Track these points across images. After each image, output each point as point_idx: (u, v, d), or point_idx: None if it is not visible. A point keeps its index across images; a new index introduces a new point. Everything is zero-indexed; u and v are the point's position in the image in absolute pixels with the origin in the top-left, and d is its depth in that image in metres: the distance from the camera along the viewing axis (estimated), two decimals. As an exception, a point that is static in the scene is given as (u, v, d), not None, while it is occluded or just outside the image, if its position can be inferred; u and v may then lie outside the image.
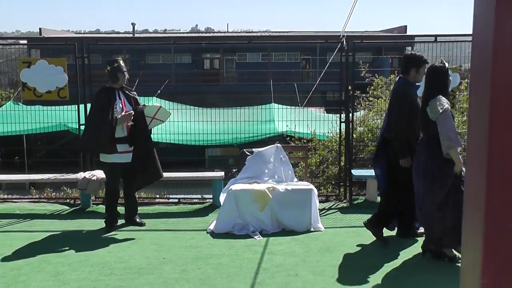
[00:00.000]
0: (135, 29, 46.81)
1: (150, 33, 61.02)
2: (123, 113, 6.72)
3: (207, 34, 53.40)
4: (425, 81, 5.64)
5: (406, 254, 5.90)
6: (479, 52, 1.98)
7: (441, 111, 5.21)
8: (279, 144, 7.83)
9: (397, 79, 6.44)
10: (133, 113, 6.76)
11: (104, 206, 7.30)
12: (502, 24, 1.79)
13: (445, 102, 5.28)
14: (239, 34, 48.65)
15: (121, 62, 6.86)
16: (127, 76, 6.95)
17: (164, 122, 7.11)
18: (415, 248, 6.03)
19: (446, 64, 5.57)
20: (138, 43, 38.99)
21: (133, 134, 6.79)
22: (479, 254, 1.90)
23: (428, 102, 5.40)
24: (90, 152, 8.10)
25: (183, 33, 56.46)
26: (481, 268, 1.89)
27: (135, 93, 7.14)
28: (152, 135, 7.08)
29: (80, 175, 8.06)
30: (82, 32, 63.89)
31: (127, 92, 6.98)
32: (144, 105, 7.11)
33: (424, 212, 5.56)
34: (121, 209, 7.27)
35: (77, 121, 8.68)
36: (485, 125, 1.87)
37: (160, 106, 7.08)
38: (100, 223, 7.14)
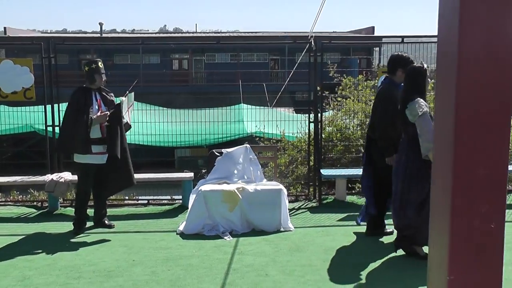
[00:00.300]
0: (103, 29, 46.36)
1: (118, 33, 60.49)
2: (99, 114, 6.69)
3: (176, 35, 53.16)
4: (404, 82, 5.69)
5: (376, 252, 5.96)
6: (444, 53, 2.02)
7: (420, 113, 5.27)
8: (248, 145, 7.84)
9: (382, 79, 6.43)
10: (108, 113, 6.73)
11: (74, 208, 7.20)
12: (467, 25, 1.83)
13: (424, 105, 5.33)
14: (207, 35, 48.58)
15: (100, 64, 6.86)
16: (104, 78, 6.93)
17: (133, 105, 7.19)
18: (385, 246, 6.10)
19: (425, 65, 5.61)
20: (105, 43, 38.65)
21: (109, 135, 6.75)
22: (446, 251, 1.94)
23: (407, 105, 5.44)
24: (64, 152, 7.98)
25: (151, 33, 56.16)
26: (448, 265, 1.93)
27: (112, 94, 7.12)
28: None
29: (48, 177, 7.95)
30: (49, 31, 62.98)
31: (104, 93, 6.96)
32: (118, 103, 7.04)
33: (400, 213, 5.60)
34: (89, 211, 7.20)
35: (44, 123, 8.56)
36: (451, 124, 1.91)
37: (126, 95, 7.06)
38: (68, 226, 7.06)
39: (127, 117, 6.90)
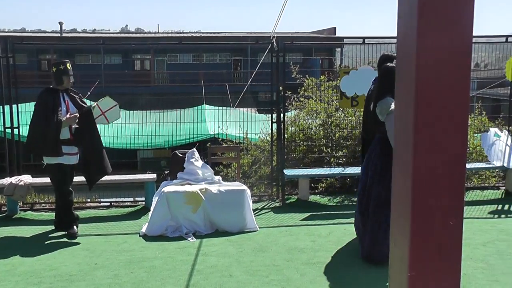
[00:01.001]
0: (63, 28, 45.63)
1: (79, 32, 59.51)
2: (68, 116, 6.58)
3: (137, 35, 52.69)
4: (377, 81, 5.69)
5: (339, 250, 6.03)
6: (403, 54, 2.05)
7: (389, 111, 5.29)
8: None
9: (372, 79, 6.34)
10: (78, 115, 6.63)
11: (61, 213, 6.87)
12: (424, 26, 1.86)
13: (393, 104, 5.36)
14: (170, 35, 48.27)
15: (68, 65, 6.73)
16: (72, 80, 6.80)
17: (109, 123, 6.99)
18: (348, 245, 6.17)
19: None
20: (66, 43, 38.04)
21: (80, 136, 6.65)
22: (407, 248, 1.97)
23: (377, 104, 5.47)
24: (34, 154, 7.76)
25: (112, 33, 55.53)
26: (409, 262, 1.96)
27: (81, 95, 7.02)
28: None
29: (6, 180, 7.78)
30: (6, 30, 61.54)
31: (72, 94, 6.83)
32: (90, 105, 6.92)
33: (365, 212, 5.64)
34: (51, 214, 7.07)
35: (2, 124, 8.38)
36: (410, 124, 1.94)
37: (116, 104, 6.94)
38: (28, 230, 6.94)
39: (103, 121, 6.80)
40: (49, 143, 6.46)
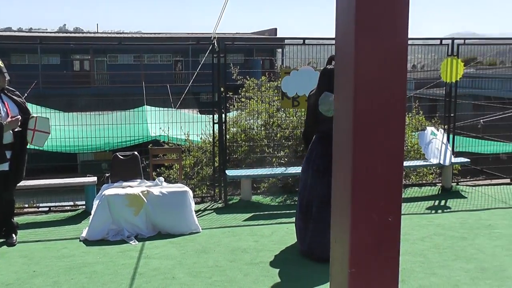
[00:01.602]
0: (-4, 27, 44.23)
1: (14, 31, 57.80)
2: (9, 119, 6.22)
3: (76, 34, 51.60)
4: (318, 82, 5.77)
5: (282, 250, 6.07)
6: (342, 56, 2.08)
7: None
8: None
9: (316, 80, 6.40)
10: (20, 118, 6.30)
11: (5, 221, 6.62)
12: (361, 28, 1.90)
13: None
14: (109, 35, 47.49)
15: (0, 62, 6.29)
16: (7, 77, 6.38)
17: (31, 143, 6.62)
18: (292, 244, 6.22)
19: None
20: (0, 41, 36.92)
21: (17, 143, 6.34)
22: (347, 245, 2.01)
23: (318, 101, 5.55)
24: None
25: (50, 32, 54.16)
26: (349, 258, 2.00)
27: (18, 93, 6.61)
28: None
29: None
30: None
31: (9, 94, 6.43)
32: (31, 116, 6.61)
33: (307, 210, 5.69)
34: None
35: None
36: (349, 125, 1.97)
37: (49, 133, 6.67)
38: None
39: (29, 137, 6.51)
40: None
